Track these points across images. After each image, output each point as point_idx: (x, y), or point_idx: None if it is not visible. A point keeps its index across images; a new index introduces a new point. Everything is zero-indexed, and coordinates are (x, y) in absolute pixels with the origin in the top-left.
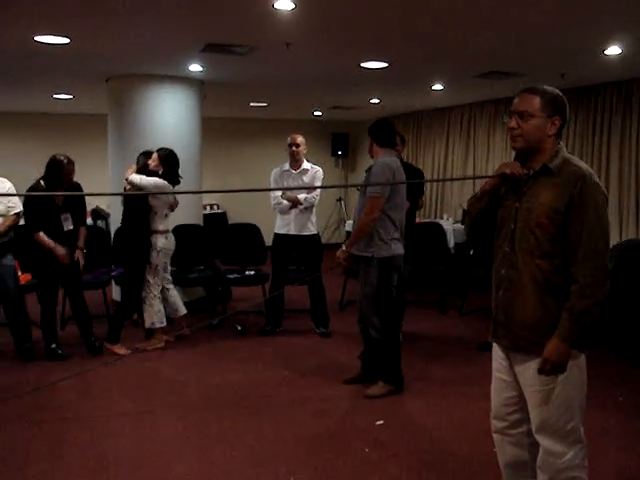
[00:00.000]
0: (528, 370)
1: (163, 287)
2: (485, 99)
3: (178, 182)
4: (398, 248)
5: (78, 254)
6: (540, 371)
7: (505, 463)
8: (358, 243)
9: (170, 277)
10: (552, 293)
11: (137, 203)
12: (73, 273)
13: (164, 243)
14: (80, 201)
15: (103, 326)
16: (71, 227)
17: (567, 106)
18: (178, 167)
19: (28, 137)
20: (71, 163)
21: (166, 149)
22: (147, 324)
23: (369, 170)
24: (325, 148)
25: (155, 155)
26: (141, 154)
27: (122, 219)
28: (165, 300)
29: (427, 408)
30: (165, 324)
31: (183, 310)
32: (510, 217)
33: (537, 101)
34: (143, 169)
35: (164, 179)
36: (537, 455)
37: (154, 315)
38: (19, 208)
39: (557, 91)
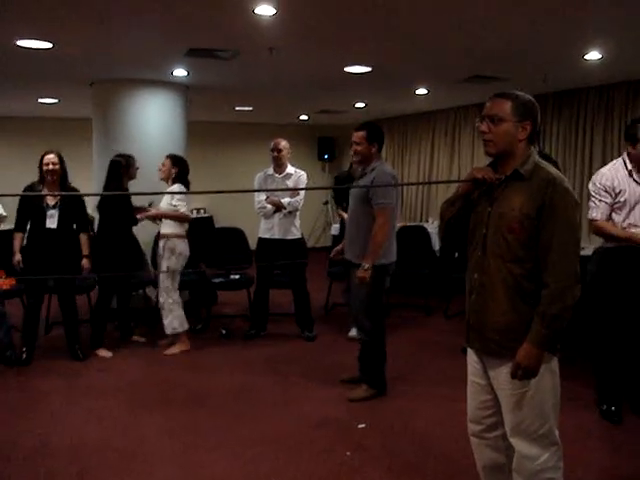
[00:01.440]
0: (501, 374)
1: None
2: (470, 103)
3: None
4: (392, 254)
5: (85, 263)
6: (513, 376)
7: (482, 466)
8: (353, 249)
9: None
10: (523, 298)
11: (117, 209)
12: (66, 277)
13: (183, 248)
14: (78, 207)
15: (88, 330)
16: (54, 226)
17: (539, 111)
18: (188, 172)
19: (13, 141)
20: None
21: (175, 154)
22: (168, 330)
23: (361, 177)
24: (311, 152)
25: (167, 161)
26: (121, 157)
27: (99, 226)
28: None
29: (410, 411)
30: (187, 327)
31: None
32: (482, 222)
33: (508, 106)
34: (119, 178)
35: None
36: (513, 458)
37: (174, 320)
38: (0, 210)
39: (529, 96)
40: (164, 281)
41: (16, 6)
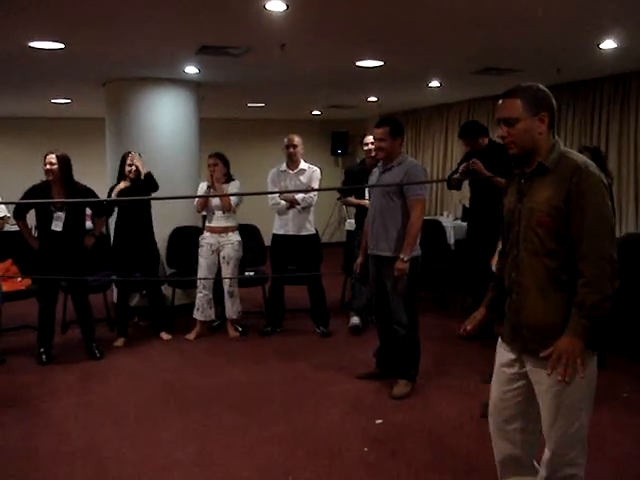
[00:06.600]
0: (540, 371)
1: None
2: (483, 95)
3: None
4: (418, 247)
5: (87, 240)
6: (553, 369)
7: (499, 459)
8: (388, 243)
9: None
10: (560, 291)
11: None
12: (77, 276)
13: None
14: (88, 204)
15: (104, 329)
16: (59, 229)
17: (551, 97)
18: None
19: (26, 141)
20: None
21: (220, 153)
22: (235, 315)
23: (384, 172)
24: (325, 147)
25: (215, 160)
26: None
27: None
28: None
29: (426, 407)
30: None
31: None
32: (514, 219)
33: (519, 104)
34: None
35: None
36: (530, 452)
37: (239, 306)
38: (4, 212)
39: (537, 85)
40: (234, 270)
41: (28, 8)
